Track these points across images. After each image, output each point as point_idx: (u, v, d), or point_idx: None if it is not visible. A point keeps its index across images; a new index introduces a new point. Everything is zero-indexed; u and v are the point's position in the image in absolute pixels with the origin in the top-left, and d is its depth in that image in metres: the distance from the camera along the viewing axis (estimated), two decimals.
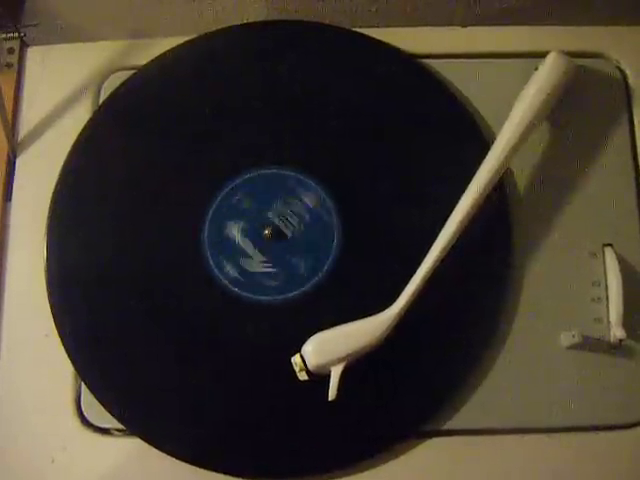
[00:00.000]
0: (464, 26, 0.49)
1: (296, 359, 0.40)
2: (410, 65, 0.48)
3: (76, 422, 0.42)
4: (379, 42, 0.48)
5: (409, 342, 0.42)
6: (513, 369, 0.42)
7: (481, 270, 0.43)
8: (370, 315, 0.40)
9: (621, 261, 0.43)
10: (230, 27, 0.48)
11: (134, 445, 0.42)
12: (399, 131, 0.46)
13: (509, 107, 0.43)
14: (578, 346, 0.42)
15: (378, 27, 0.49)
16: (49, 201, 0.45)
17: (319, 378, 0.40)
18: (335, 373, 0.39)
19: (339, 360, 0.39)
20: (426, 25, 0.50)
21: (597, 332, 0.43)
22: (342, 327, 0.40)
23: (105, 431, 0.42)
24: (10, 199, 0.46)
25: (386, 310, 0.40)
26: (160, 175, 0.46)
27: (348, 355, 0.39)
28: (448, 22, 0.50)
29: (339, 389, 0.39)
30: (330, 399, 0.39)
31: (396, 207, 0.45)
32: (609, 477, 0.42)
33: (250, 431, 0.41)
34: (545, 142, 0.46)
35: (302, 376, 0.40)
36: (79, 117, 0.47)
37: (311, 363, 0.39)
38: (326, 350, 0.39)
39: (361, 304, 0.41)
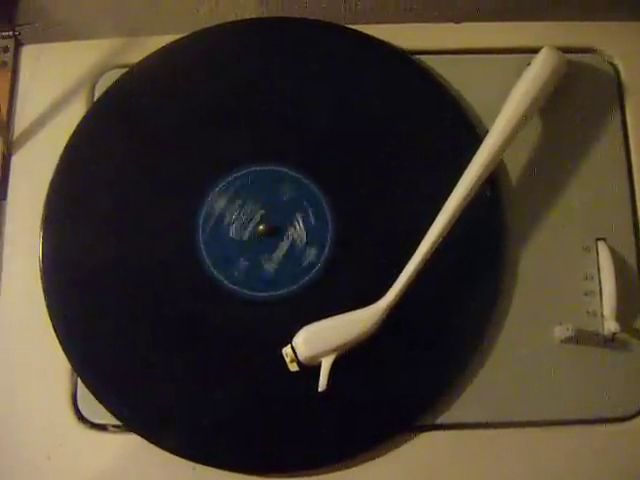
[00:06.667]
0: (458, 22, 0.50)
1: (287, 350, 0.40)
2: (403, 61, 0.48)
3: (72, 418, 0.42)
4: (373, 38, 0.48)
5: (402, 336, 0.42)
6: (507, 363, 0.43)
7: (474, 264, 0.43)
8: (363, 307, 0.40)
9: (614, 255, 0.43)
10: (224, 24, 0.48)
11: (130, 441, 0.42)
12: (391, 126, 0.46)
13: (502, 102, 0.44)
14: (572, 340, 0.42)
15: (372, 24, 0.49)
16: (44, 199, 0.45)
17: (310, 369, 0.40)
18: (326, 364, 0.39)
19: (330, 351, 0.39)
20: (420, 21, 0.50)
21: (591, 326, 0.43)
22: (333, 319, 0.40)
23: (101, 427, 0.42)
24: (5, 197, 0.46)
25: (377, 302, 0.40)
26: (155, 173, 0.46)
27: (339, 346, 0.40)
28: (442, 18, 0.50)
29: (330, 381, 0.39)
30: (320, 390, 0.39)
31: (388, 200, 0.45)
32: (603, 470, 0.42)
33: (246, 426, 0.42)
34: (538, 137, 0.46)
35: (293, 367, 0.40)
36: (73, 115, 0.47)
37: (302, 354, 0.40)
38: (317, 341, 0.40)
39: (355, 296, 0.41)
